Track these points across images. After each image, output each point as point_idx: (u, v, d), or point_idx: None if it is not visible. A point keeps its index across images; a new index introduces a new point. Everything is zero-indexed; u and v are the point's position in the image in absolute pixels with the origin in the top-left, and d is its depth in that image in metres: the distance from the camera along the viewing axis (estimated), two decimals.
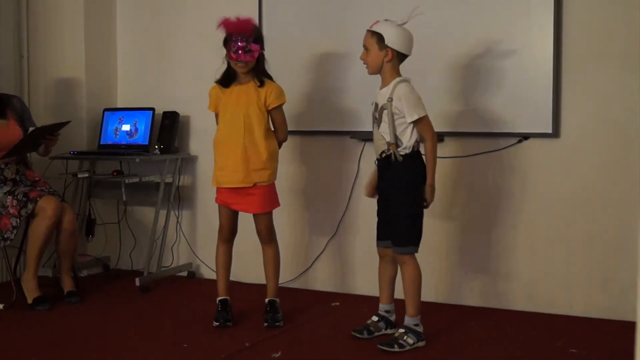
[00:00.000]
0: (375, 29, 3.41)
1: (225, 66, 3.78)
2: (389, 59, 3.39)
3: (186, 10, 5.01)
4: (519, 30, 3.98)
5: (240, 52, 3.63)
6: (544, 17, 3.90)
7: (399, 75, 3.43)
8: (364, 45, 3.45)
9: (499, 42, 4.00)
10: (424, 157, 3.44)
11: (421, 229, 3.48)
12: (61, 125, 4.24)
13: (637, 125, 3.71)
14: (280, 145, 3.88)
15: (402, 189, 3.43)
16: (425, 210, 3.49)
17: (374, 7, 4.27)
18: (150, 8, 5.15)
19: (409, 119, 3.34)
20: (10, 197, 4.10)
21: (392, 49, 3.38)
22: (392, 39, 3.37)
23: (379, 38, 3.38)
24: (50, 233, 4.16)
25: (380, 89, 3.47)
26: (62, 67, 5.08)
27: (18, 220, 4.09)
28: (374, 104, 3.51)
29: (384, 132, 3.42)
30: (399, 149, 3.39)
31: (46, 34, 5.09)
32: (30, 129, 4.16)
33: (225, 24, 3.66)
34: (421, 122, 3.37)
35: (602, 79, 3.84)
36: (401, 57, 3.43)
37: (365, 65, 3.48)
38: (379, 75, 3.49)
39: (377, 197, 3.61)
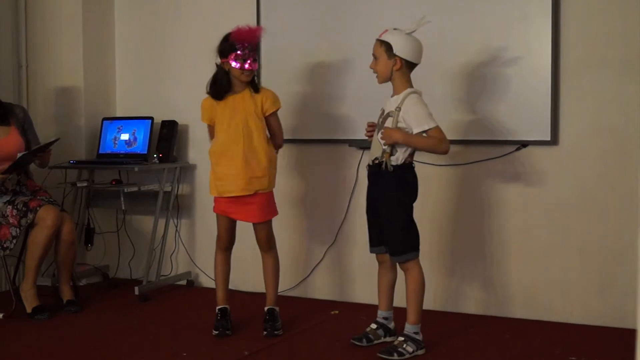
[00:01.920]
0: (384, 38, 3.42)
1: (210, 77, 3.77)
2: (397, 68, 3.40)
3: (185, 20, 5.02)
4: (517, 38, 3.99)
5: (249, 60, 3.65)
6: (541, 24, 3.91)
7: (410, 84, 3.44)
8: (373, 54, 3.46)
9: (497, 50, 4.02)
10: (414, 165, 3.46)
11: (416, 232, 3.48)
12: (50, 143, 4.23)
13: (635, 132, 3.72)
14: (277, 151, 3.89)
15: (391, 201, 3.44)
16: (424, 217, 3.50)
17: (372, 15, 4.30)
18: (149, 17, 5.16)
19: (417, 130, 3.34)
20: (10, 207, 4.10)
21: (401, 58, 3.38)
22: (401, 48, 3.38)
23: (388, 47, 3.39)
24: (50, 242, 4.15)
25: (392, 97, 3.48)
26: (61, 76, 5.08)
27: (18, 229, 4.09)
28: (381, 110, 3.52)
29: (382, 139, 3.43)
30: (391, 158, 3.39)
31: (44, 44, 5.10)
32: (19, 154, 4.14)
33: (241, 32, 3.65)
34: (432, 132, 3.34)
35: (600, 86, 3.85)
36: (411, 65, 3.43)
37: (375, 75, 3.49)
38: (376, 82, 3.50)
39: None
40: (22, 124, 4.36)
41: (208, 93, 3.78)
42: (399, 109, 3.37)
